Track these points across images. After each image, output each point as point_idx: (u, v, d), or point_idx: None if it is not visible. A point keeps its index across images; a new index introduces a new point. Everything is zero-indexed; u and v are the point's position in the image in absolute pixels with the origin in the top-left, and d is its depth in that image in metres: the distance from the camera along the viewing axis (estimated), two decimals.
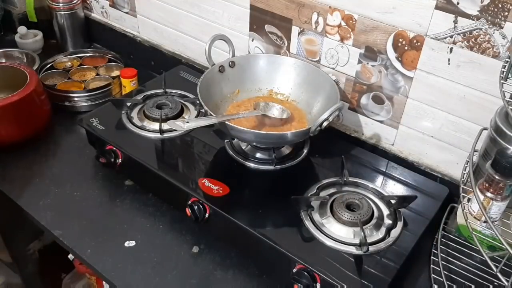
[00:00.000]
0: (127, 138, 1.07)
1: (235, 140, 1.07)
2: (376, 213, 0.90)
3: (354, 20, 1.01)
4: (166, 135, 1.08)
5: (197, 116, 1.16)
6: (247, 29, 1.21)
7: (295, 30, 1.12)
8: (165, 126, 1.08)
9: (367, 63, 1.04)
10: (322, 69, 1.12)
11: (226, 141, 1.07)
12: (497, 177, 0.78)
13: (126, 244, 0.96)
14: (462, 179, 0.91)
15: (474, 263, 0.90)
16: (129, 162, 1.04)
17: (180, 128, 0.92)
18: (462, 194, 0.88)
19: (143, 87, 1.26)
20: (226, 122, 0.93)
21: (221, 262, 0.94)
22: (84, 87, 1.34)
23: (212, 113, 0.95)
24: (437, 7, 0.89)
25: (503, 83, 0.76)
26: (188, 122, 0.91)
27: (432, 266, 0.91)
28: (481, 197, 0.82)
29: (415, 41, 0.95)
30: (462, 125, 0.98)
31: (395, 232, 0.87)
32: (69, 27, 1.54)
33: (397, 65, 1.00)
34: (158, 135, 1.08)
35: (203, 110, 1.13)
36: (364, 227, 0.85)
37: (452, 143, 1.01)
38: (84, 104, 1.31)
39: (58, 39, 1.57)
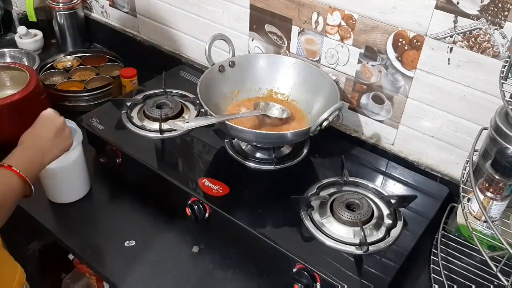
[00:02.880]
0: (127, 138, 1.07)
1: (235, 140, 1.07)
2: (376, 213, 0.90)
3: (354, 19, 1.01)
4: (166, 134, 1.08)
5: (197, 116, 1.16)
6: (247, 29, 1.21)
7: (295, 29, 1.12)
8: (165, 125, 1.08)
9: (367, 63, 1.04)
10: (322, 69, 1.12)
11: (226, 141, 1.07)
12: (497, 177, 0.78)
13: (126, 244, 0.96)
14: (462, 179, 0.91)
15: (474, 263, 0.90)
16: (129, 162, 1.04)
17: (180, 128, 0.92)
18: (462, 194, 0.88)
19: (143, 87, 1.26)
20: (226, 122, 0.93)
21: (221, 262, 0.94)
22: (84, 87, 1.34)
23: (212, 113, 0.95)
24: (437, 7, 0.89)
25: (503, 82, 0.76)
26: (188, 122, 0.91)
27: (432, 266, 0.91)
28: (481, 197, 0.82)
29: (415, 40, 0.95)
30: (462, 124, 0.98)
31: (395, 232, 0.87)
32: (69, 27, 1.54)
33: (397, 64, 1.00)
34: (158, 134, 1.08)
35: (203, 110, 1.13)
36: (364, 226, 0.85)
37: (452, 143, 1.01)
38: (84, 104, 1.30)
39: (58, 39, 1.57)
